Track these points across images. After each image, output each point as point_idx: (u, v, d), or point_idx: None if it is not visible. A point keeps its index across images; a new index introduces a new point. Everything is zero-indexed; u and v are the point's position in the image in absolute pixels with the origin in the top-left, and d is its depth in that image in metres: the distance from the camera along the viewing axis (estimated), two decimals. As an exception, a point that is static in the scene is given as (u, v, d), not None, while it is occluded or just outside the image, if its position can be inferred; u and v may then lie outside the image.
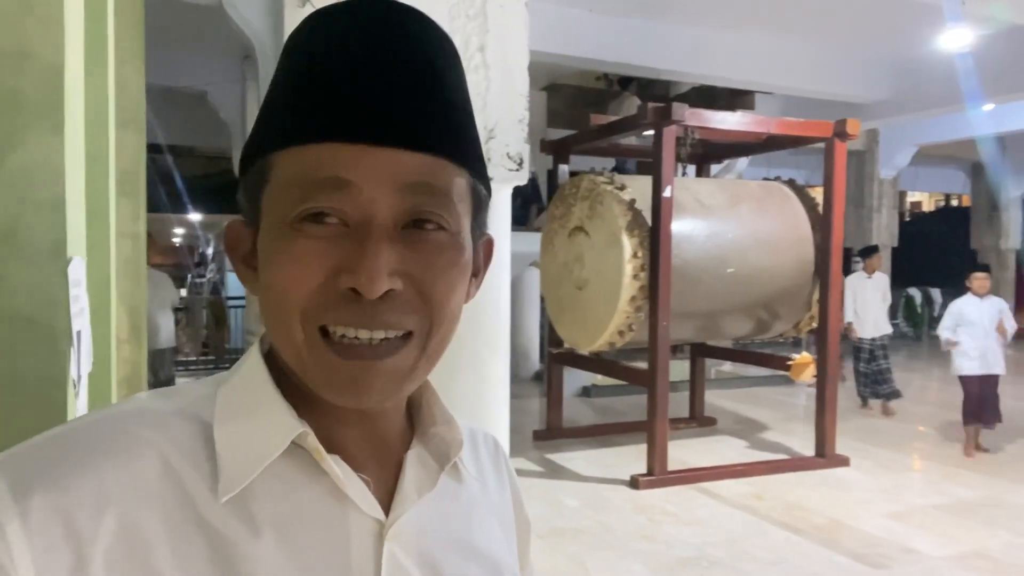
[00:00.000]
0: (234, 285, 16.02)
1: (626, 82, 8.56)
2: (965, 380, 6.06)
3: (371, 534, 0.55)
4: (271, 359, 0.57)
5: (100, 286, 1.67)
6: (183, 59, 7.60)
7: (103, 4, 1.71)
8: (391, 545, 0.55)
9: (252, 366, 0.57)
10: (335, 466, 0.54)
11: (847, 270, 10.73)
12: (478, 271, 0.60)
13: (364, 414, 0.57)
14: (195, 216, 15.34)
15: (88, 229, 1.33)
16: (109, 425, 0.53)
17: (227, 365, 10.19)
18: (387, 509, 0.56)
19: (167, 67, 7.25)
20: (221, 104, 8.31)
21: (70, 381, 1.08)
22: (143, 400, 0.56)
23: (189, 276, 17.55)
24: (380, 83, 0.51)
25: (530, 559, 0.74)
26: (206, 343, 10.80)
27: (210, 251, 19.21)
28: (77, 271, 1.13)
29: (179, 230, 17.39)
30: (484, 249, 0.62)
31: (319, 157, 0.51)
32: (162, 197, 12.65)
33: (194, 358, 10.24)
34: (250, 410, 0.55)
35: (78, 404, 1.14)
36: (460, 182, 0.54)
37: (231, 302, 11.72)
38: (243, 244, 0.57)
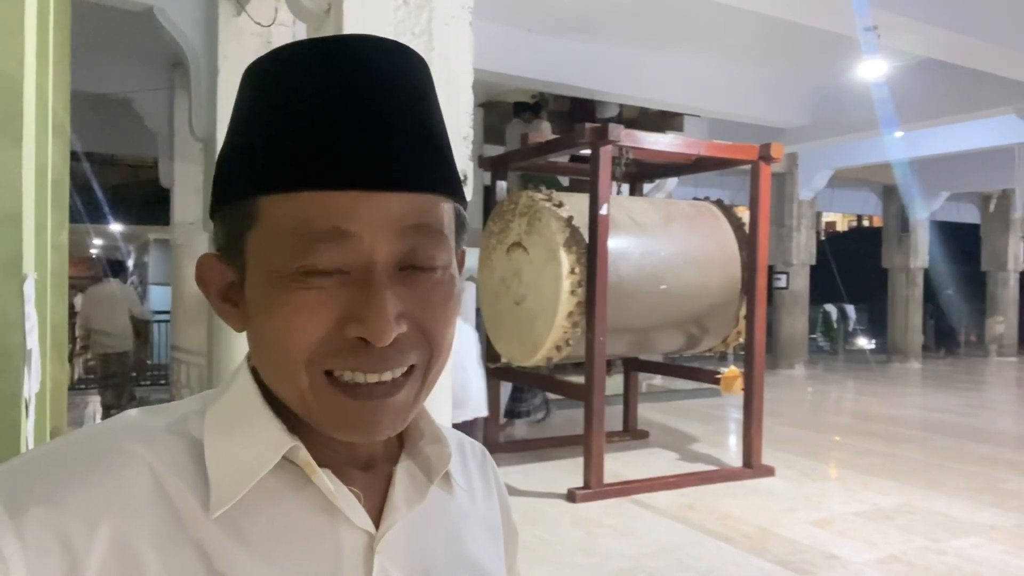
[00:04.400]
0: (157, 299, 15.42)
1: (538, 107, 8.73)
2: None
3: (361, 547, 0.55)
4: (259, 375, 0.57)
5: (39, 302, 1.61)
6: (108, 65, 7.33)
7: (47, 12, 1.66)
8: (381, 558, 0.56)
9: (241, 382, 0.58)
10: (326, 480, 0.54)
11: (771, 287, 11.15)
12: None
13: None
14: (115, 227, 14.71)
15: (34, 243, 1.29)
16: (101, 441, 0.53)
17: (147, 383, 9.79)
18: (377, 522, 0.57)
19: (90, 72, 6.98)
20: (147, 112, 8.05)
21: (23, 401, 1.04)
22: (133, 416, 0.56)
23: (107, 289, 16.75)
24: (370, 128, 0.51)
25: (517, 567, 0.76)
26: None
27: (130, 263, 18.42)
28: (30, 289, 1.09)
29: (97, 241, 16.65)
30: (457, 260, 0.62)
31: (315, 206, 0.50)
32: (78, 207, 12.09)
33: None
34: (240, 426, 0.55)
35: (28, 424, 1.10)
36: (449, 213, 0.55)
37: (155, 316, 11.28)
38: (219, 278, 0.57)
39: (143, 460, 0.52)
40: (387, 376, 0.53)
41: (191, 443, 0.54)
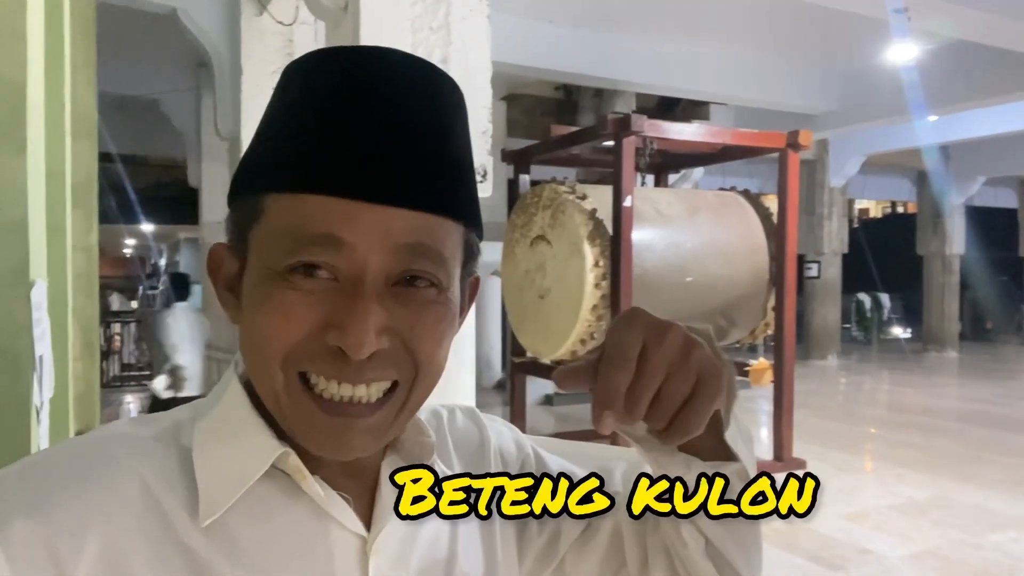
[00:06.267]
0: (188, 296, 15.67)
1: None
2: None
3: (355, 551, 0.55)
4: (249, 381, 0.57)
5: (58, 305, 1.62)
6: (135, 67, 7.45)
7: (60, 14, 1.67)
8: (376, 560, 0.56)
9: (229, 389, 0.57)
10: (316, 486, 0.54)
11: (802, 276, 10.99)
12: (463, 309, 0.60)
13: None
14: (147, 227, 14.99)
15: (47, 247, 1.29)
16: (90, 451, 0.52)
17: (180, 380, 9.94)
18: (367, 523, 0.56)
19: (119, 75, 7.09)
20: (174, 113, 8.17)
21: (33, 407, 1.05)
22: (122, 426, 0.56)
23: (140, 288, 17.13)
24: (381, 139, 0.50)
25: (551, 465, 0.72)
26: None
27: (163, 262, 18.77)
28: (39, 295, 1.10)
29: (130, 241, 16.98)
30: (470, 288, 0.61)
31: (313, 210, 0.50)
32: (112, 208, 12.34)
33: (148, 372, 9.98)
34: (229, 433, 0.55)
35: (41, 430, 1.11)
36: (454, 237, 0.54)
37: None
38: (225, 269, 0.57)
39: (132, 470, 0.51)
40: (361, 391, 0.52)
41: (181, 452, 0.54)
